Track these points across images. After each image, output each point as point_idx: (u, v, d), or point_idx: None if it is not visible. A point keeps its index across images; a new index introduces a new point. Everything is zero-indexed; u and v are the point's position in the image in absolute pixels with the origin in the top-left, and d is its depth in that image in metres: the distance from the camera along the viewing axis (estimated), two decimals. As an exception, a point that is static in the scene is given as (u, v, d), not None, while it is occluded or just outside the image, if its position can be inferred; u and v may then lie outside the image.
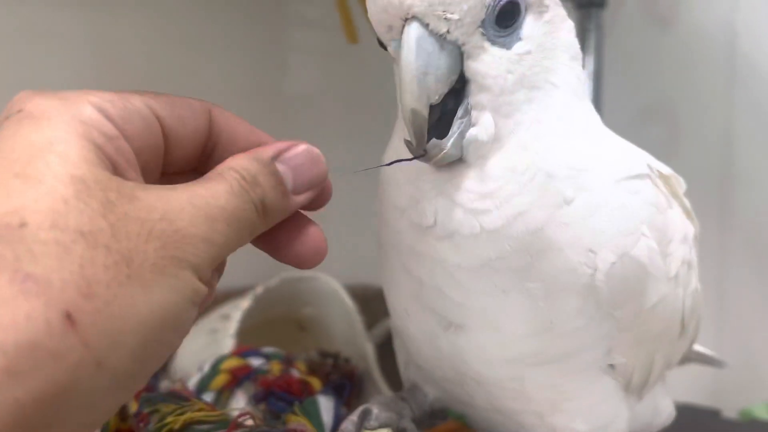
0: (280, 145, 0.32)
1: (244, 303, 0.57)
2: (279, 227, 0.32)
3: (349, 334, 0.61)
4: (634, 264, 0.36)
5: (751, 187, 1.12)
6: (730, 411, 0.92)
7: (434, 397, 0.44)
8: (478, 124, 0.33)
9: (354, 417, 0.40)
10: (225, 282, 0.68)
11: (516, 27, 0.34)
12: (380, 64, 0.74)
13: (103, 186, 0.25)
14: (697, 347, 0.51)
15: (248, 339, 0.60)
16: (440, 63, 0.32)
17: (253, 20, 0.70)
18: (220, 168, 0.30)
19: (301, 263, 0.33)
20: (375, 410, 0.40)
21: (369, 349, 0.59)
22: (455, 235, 0.34)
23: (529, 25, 0.34)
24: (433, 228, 0.35)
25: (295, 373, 0.44)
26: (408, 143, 0.33)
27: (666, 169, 0.42)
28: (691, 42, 1.02)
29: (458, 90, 0.34)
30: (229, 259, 0.78)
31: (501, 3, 0.33)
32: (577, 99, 0.37)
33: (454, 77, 0.33)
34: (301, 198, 0.32)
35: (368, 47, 0.68)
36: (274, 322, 0.65)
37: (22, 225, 0.23)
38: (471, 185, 0.34)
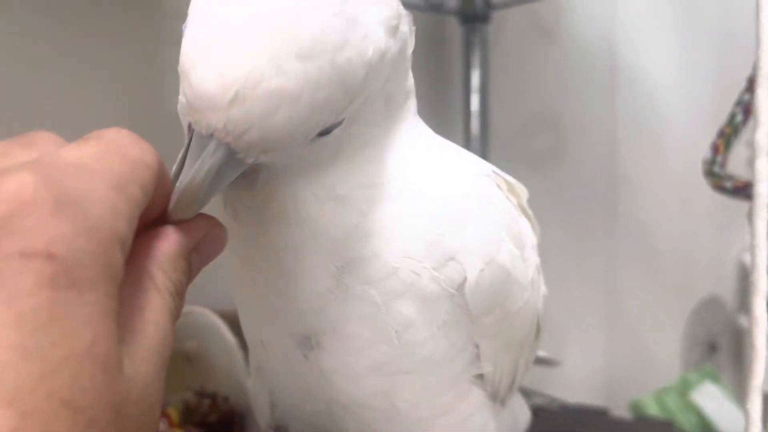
0: (197, 235, 0.28)
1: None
2: None
3: (230, 368, 0.60)
4: (500, 270, 0.36)
5: (634, 190, 1.18)
6: (621, 407, 0.97)
7: None
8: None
9: None
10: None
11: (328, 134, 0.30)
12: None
13: None
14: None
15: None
16: (230, 179, 0.28)
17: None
18: (151, 275, 0.25)
19: None
20: None
21: (249, 385, 0.58)
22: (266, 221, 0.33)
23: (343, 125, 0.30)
24: (240, 218, 0.33)
25: (162, 426, 0.42)
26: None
27: (510, 178, 0.42)
28: (573, 53, 1.06)
29: None
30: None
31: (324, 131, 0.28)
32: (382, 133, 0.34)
33: None
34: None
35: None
36: None
37: None
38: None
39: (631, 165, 1.18)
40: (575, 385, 1.04)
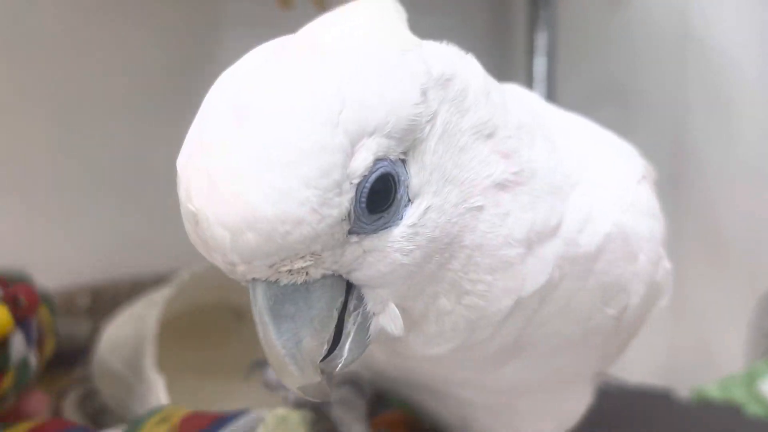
0: None
1: (168, 290, 0.54)
2: None
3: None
4: (656, 288, 0.35)
5: (702, 165, 1.13)
6: (683, 390, 0.93)
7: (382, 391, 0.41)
8: (383, 314, 0.26)
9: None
10: (156, 266, 0.65)
11: (399, 195, 0.25)
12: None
13: None
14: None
15: (179, 327, 0.57)
16: (313, 312, 0.24)
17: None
18: None
19: None
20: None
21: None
22: (426, 363, 0.32)
23: (415, 172, 0.25)
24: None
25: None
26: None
27: (648, 164, 0.40)
28: (643, 22, 1.03)
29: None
30: (162, 241, 0.74)
31: (365, 195, 0.23)
32: (503, 189, 0.28)
33: (340, 302, 0.25)
34: None
35: (304, 14, 0.65)
36: (207, 310, 0.62)
37: None
38: (416, 350, 0.30)
39: (699, 142, 1.13)
40: (636, 368, 1.01)
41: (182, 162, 0.24)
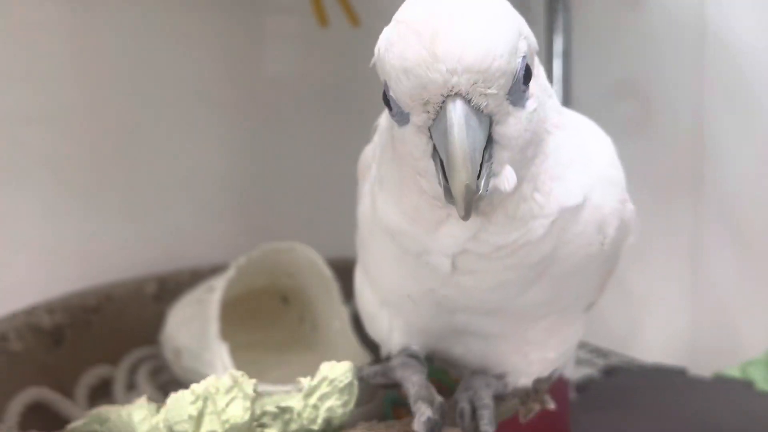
0: None
1: (228, 273, 0.60)
2: None
3: (326, 298, 0.65)
4: (624, 224, 0.43)
5: (721, 159, 1.14)
6: (704, 373, 0.96)
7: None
8: (501, 175, 0.35)
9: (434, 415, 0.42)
10: (212, 258, 0.72)
11: (529, 85, 0.35)
12: (352, 47, 0.77)
13: None
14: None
15: (232, 310, 0.64)
16: (481, 137, 0.33)
17: (225, 6, 0.73)
18: None
19: None
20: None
21: (344, 313, 0.63)
22: (477, 272, 0.40)
23: (532, 81, 0.36)
24: (452, 271, 0.40)
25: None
26: (452, 203, 0.34)
27: None
28: (660, 19, 1.03)
29: None
30: (217, 235, 0.81)
31: (521, 68, 0.34)
32: (556, 128, 0.40)
33: (485, 141, 0.35)
34: None
35: (339, 30, 0.72)
36: (258, 295, 0.68)
37: None
38: (487, 237, 0.38)
39: (718, 135, 1.14)
40: (656, 352, 1.03)
41: (412, 14, 0.34)
